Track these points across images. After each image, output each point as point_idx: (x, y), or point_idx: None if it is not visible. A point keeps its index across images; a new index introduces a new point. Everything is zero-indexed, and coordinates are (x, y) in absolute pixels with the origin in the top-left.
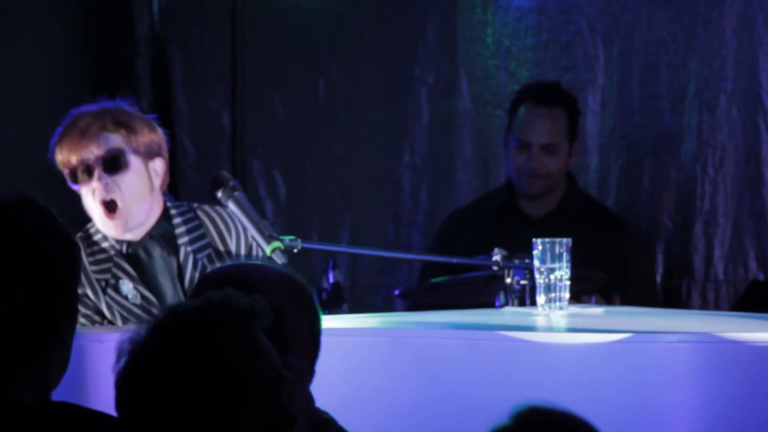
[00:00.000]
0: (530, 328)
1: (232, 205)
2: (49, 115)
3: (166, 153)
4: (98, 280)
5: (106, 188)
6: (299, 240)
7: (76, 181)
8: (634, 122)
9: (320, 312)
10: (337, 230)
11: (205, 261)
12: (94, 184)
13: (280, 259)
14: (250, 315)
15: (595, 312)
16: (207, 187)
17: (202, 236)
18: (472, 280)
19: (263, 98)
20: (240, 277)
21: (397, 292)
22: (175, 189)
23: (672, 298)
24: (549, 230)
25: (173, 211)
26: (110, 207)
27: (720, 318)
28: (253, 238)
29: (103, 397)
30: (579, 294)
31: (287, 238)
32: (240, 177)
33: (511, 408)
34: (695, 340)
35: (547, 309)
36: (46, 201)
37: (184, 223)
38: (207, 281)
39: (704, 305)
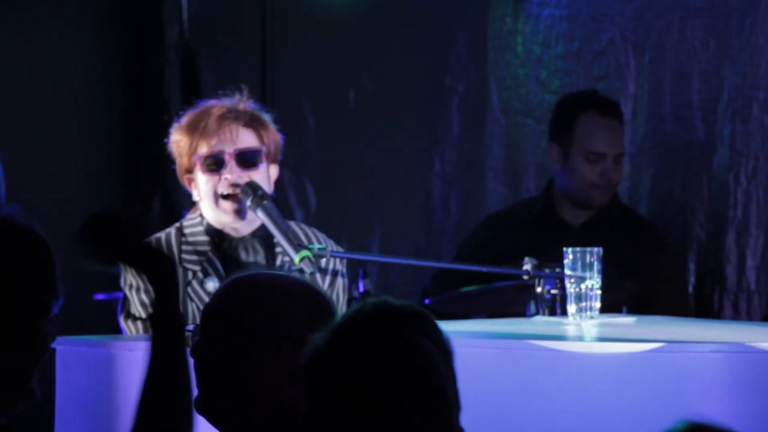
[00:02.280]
0: (561, 338)
1: (261, 214)
2: (79, 123)
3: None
4: (186, 270)
5: (237, 181)
6: (329, 249)
7: (203, 170)
8: (666, 131)
9: None
10: (367, 239)
11: (297, 273)
12: (226, 175)
13: (309, 268)
14: (411, 319)
15: (626, 321)
16: None
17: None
18: (502, 289)
19: (294, 107)
20: (252, 284)
21: (427, 301)
22: None
23: (704, 307)
24: (587, 238)
25: None
26: (232, 198)
27: (752, 328)
28: (282, 247)
29: (132, 405)
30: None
31: (317, 247)
32: None
33: (672, 425)
34: (728, 350)
35: (577, 318)
36: (74, 200)
37: None
38: (224, 289)
39: (736, 315)
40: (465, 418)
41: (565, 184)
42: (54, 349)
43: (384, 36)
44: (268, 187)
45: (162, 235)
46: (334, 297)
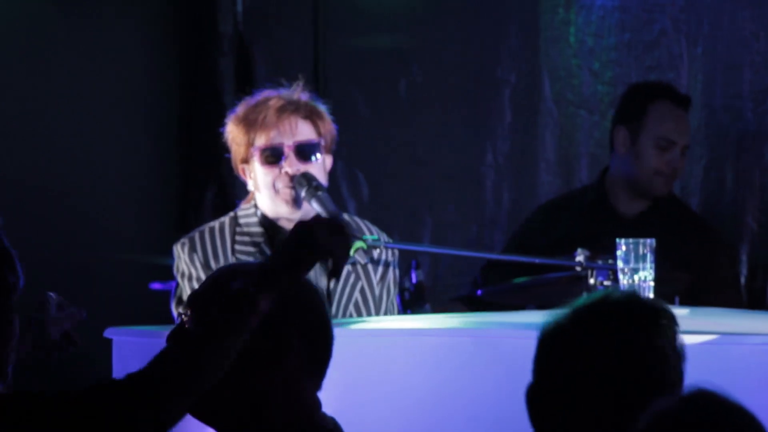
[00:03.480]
0: None
1: (315, 205)
2: (135, 114)
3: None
4: (238, 260)
5: (296, 174)
6: (382, 239)
7: (262, 161)
8: (717, 122)
9: (325, 317)
10: (419, 230)
11: (349, 266)
12: (286, 169)
13: (362, 259)
14: (652, 317)
15: (679, 313)
16: None
17: None
18: (554, 280)
19: (346, 98)
20: (231, 272)
21: (479, 292)
22: None
23: (756, 299)
24: (640, 229)
25: None
26: (290, 186)
27: None
28: None
29: None
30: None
31: (370, 238)
32: None
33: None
34: None
35: None
36: (131, 189)
37: None
38: (214, 275)
39: None
40: (516, 410)
41: (626, 169)
42: (110, 340)
43: (435, 27)
44: (323, 179)
45: (216, 224)
46: (385, 288)
